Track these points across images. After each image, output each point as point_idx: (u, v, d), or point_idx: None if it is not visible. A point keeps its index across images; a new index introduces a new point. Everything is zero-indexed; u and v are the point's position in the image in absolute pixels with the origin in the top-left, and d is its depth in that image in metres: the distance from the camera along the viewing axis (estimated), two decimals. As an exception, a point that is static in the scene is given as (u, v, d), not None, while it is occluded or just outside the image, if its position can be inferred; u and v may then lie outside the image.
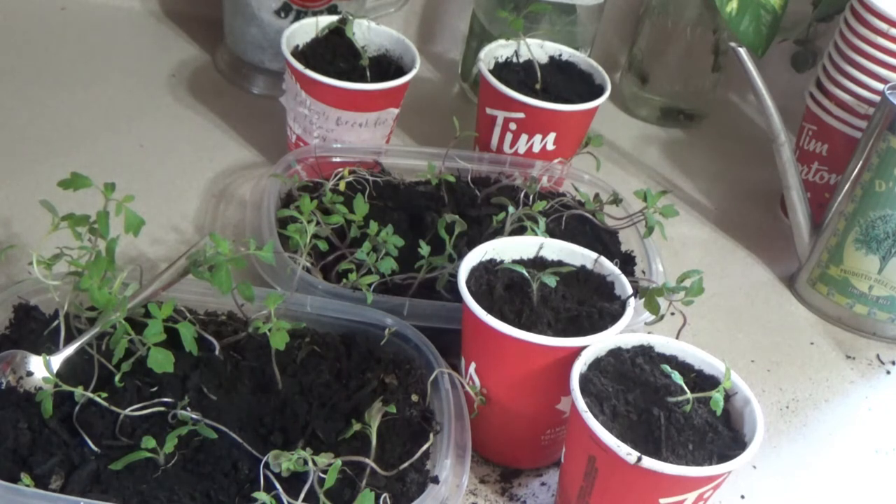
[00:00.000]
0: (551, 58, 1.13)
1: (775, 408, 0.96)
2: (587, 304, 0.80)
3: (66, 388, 0.71)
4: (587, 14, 1.23)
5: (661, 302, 0.82)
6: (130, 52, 1.27)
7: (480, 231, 0.94)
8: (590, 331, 0.77)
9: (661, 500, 0.69)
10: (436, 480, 0.72)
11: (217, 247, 0.75)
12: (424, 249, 0.88)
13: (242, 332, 0.80)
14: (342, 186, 0.96)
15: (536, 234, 0.88)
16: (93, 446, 0.70)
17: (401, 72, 1.05)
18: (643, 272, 0.96)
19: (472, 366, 0.80)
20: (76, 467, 0.69)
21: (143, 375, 0.74)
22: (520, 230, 0.90)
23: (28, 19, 1.27)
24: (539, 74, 1.08)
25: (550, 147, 1.06)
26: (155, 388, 0.75)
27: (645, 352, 0.77)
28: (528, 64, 1.10)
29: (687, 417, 0.72)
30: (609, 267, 0.84)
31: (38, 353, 0.75)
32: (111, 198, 0.75)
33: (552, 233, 0.91)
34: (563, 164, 1.06)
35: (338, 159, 1.02)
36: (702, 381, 0.76)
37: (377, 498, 0.68)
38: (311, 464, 0.68)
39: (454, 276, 0.81)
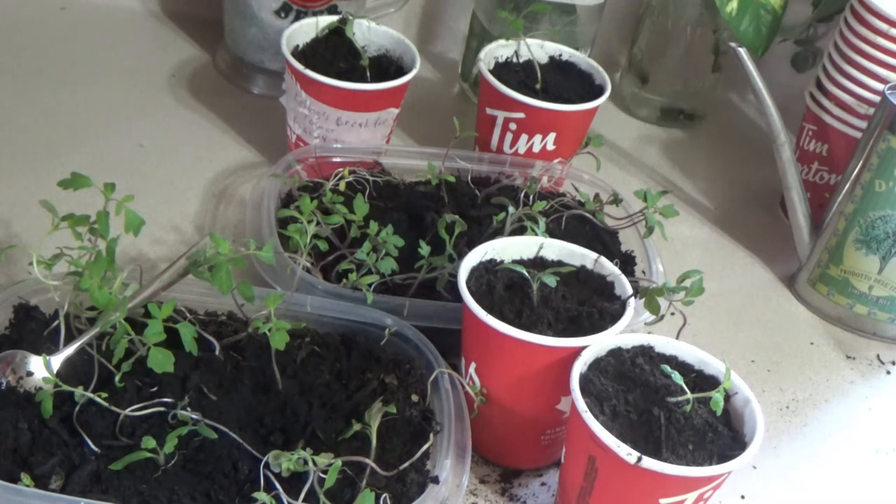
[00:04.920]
0: (551, 58, 1.13)
1: (775, 408, 0.96)
2: (587, 304, 0.80)
3: (66, 388, 0.71)
4: (587, 14, 1.23)
5: (661, 302, 0.82)
6: (130, 52, 1.27)
7: (480, 231, 0.94)
8: (590, 331, 0.77)
9: (662, 501, 0.69)
10: (436, 480, 0.72)
11: (217, 247, 0.75)
12: (424, 249, 0.88)
13: (242, 332, 0.80)
14: (342, 186, 0.96)
15: (536, 234, 0.88)
16: (93, 446, 0.70)
17: (401, 72, 1.05)
18: (643, 272, 0.96)
19: (472, 366, 0.80)
20: (76, 467, 0.69)
21: (143, 375, 0.74)
22: (520, 230, 0.90)
23: (28, 19, 1.27)
24: (539, 74, 1.08)
25: (550, 147, 1.06)
26: (155, 388, 0.75)
27: (645, 352, 0.77)
28: (528, 64, 1.10)
29: (687, 417, 0.72)
30: (609, 267, 0.84)
31: (38, 353, 0.75)
32: (111, 198, 0.75)
33: (552, 233, 0.91)
34: (563, 164, 1.07)
35: (338, 159, 1.02)
36: (702, 381, 0.76)
37: (377, 498, 0.68)
38: (311, 464, 0.68)
39: (454, 276, 0.81)
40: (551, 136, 1.05)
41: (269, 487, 0.68)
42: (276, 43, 1.09)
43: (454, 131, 1.01)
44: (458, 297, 0.78)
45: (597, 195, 1.01)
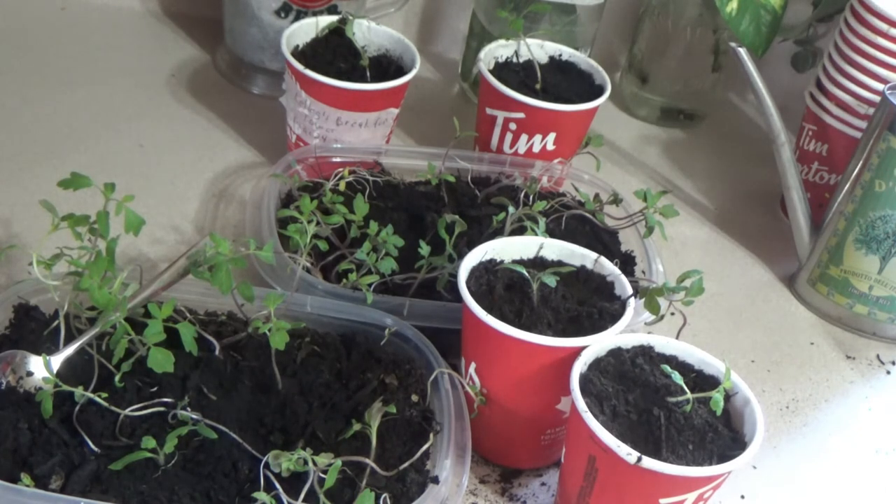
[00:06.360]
0: (551, 58, 1.13)
1: (775, 408, 0.96)
2: (587, 304, 0.80)
3: (66, 388, 0.71)
4: (587, 14, 1.23)
5: (661, 302, 0.82)
6: (130, 52, 1.27)
7: (480, 231, 0.94)
8: (590, 331, 0.77)
9: (661, 501, 0.69)
10: (436, 480, 0.72)
11: (217, 247, 0.75)
12: (424, 249, 0.88)
13: (242, 332, 0.80)
14: (342, 186, 0.96)
15: (536, 234, 0.88)
16: (93, 446, 0.70)
17: (401, 72, 1.05)
18: (643, 272, 0.96)
19: (472, 366, 0.80)
20: (76, 467, 0.69)
21: (143, 375, 0.74)
22: (520, 230, 0.90)
23: (28, 19, 1.27)
24: (539, 74, 1.08)
25: (550, 147, 1.06)
26: (155, 388, 0.75)
27: (645, 352, 0.77)
28: (528, 64, 1.10)
29: (687, 417, 0.72)
30: (609, 267, 0.84)
31: (38, 353, 0.75)
32: (111, 198, 0.75)
33: (552, 233, 0.91)
34: (563, 164, 1.07)
35: (338, 159, 1.02)
36: (702, 381, 0.76)
37: (377, 498, 0.68)
38: (311, 464, 0.68)
39: (454, 276, 0.81)
40: (551, 136, 1.05)
41: (269, 487, 0.68)
42: (276, 43, 1.09)
43: (454, 131, 1.01)
44: (458, 297, 0.78)
45: (597, 195, 1.01)
